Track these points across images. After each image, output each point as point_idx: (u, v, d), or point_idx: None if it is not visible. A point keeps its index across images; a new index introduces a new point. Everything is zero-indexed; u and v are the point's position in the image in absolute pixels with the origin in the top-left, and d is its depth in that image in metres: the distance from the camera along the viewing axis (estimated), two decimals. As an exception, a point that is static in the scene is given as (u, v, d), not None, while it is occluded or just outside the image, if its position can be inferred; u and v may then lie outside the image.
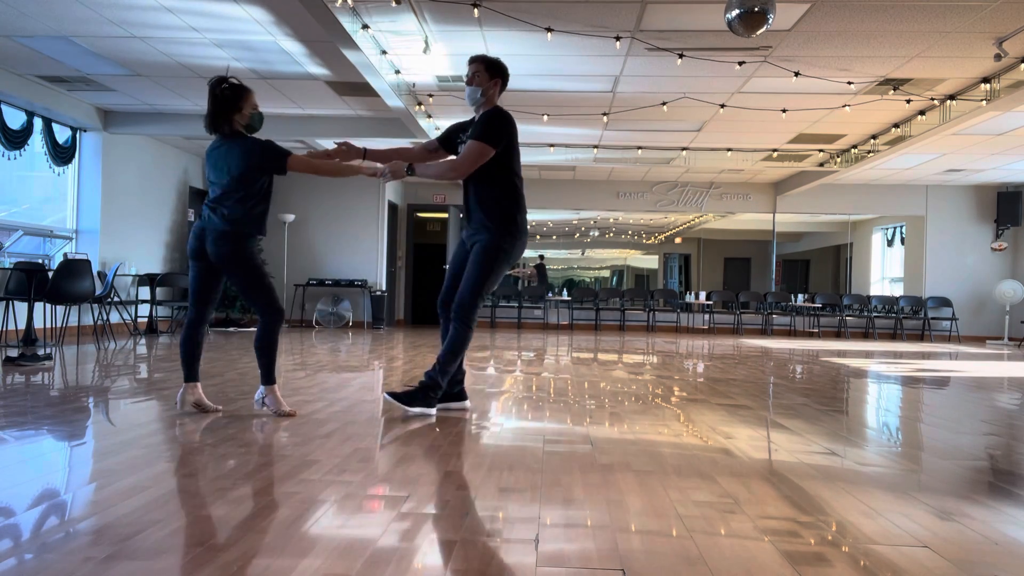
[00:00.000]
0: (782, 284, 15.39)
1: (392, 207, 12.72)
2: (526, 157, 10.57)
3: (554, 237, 18.83)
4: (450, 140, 3.82)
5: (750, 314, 13.22)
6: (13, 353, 5.96)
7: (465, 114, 8.72)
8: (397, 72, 6.98)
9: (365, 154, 3.78)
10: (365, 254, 12.05)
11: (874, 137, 9.29)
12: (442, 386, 3.66)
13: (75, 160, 8.80)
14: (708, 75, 6.94)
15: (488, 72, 3.64)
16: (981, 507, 2.28)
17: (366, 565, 1.69)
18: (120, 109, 8.81)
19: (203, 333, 3.67)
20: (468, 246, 3.71)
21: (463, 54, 6.56)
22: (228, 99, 3.44)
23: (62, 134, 8.49)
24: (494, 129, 3.57)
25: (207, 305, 3.63)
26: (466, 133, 3.69)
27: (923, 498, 2.37)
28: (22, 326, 7.18)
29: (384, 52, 6.46)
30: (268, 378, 3.59)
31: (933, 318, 12.54)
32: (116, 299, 8.27)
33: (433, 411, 3.68)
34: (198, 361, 3.66)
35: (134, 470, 2.47)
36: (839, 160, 10.53)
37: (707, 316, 13.09)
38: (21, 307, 7.38)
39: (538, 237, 19.87)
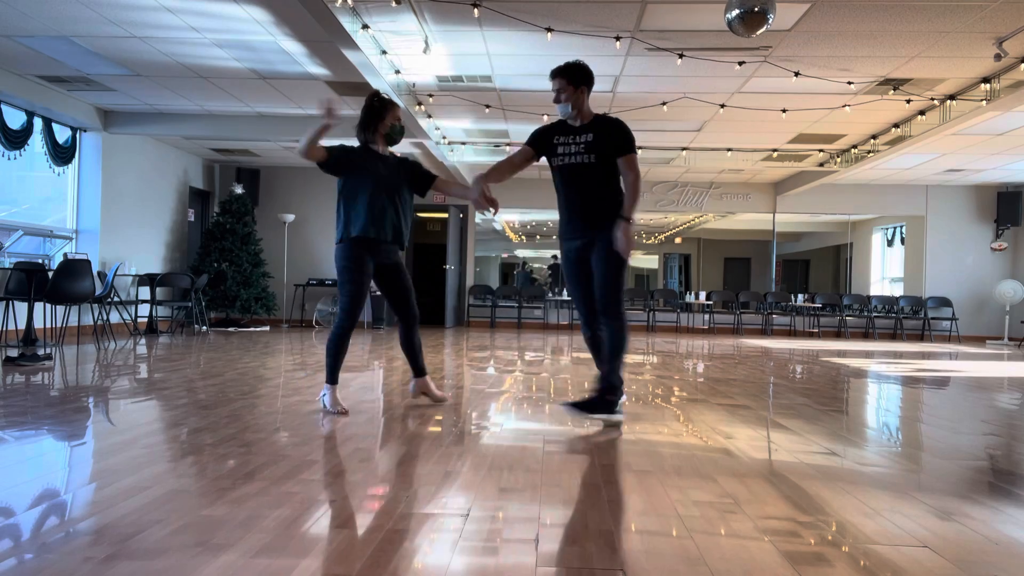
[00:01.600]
0: (782, 284, 15.40)
1: (392, 207, 12.71)
2: (526, 157, 10.56)
3: (554, 237, 18.83)
4: (540, 142, 3.78)
5: (750, 314, 13.22)
6: (13, 353, 5.96)
7: (465, 115, 8.74)
8: (397, 72, 6.99)
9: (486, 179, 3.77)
10: (365, 254, 12.03)
11: (874, 137, 9.29)
12: (620, 388, 3.61)
13: (75, 160, 8.80)
14: (708, 75, 6.95)
15: (573, 85, 3.64)
16: (981, 507, 2.28)
17: (366, 565, 1.69)
18: (120, 109, 8.81)
19: (407, 334, 3.96)
20: (581, 249, 3.69)
21: (463, 54, 6.56)
22: (375, 110, 3.76)
23: (62, 134, 8.49)
24: (632, 138, 3.71)
25: (395, 307, 3.94)
26: (564, 136, 3.68)
27: (923, 498, 2.37)
28: (22, 326, 7.18)
29: (384, 52, 6.46)
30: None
31: (933, 318, 12.54)
32: (116, 299, 8.27)
33: (618, 416, 3.62)
34: (416, 358, 3.98)
35: (134, 470, 2.47)
36: (839, 160, 10.53)
37: (707, 316, 13.09)
38: (21, 307, 7.38)
39: (538, 237, 19.88)
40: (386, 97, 3.83)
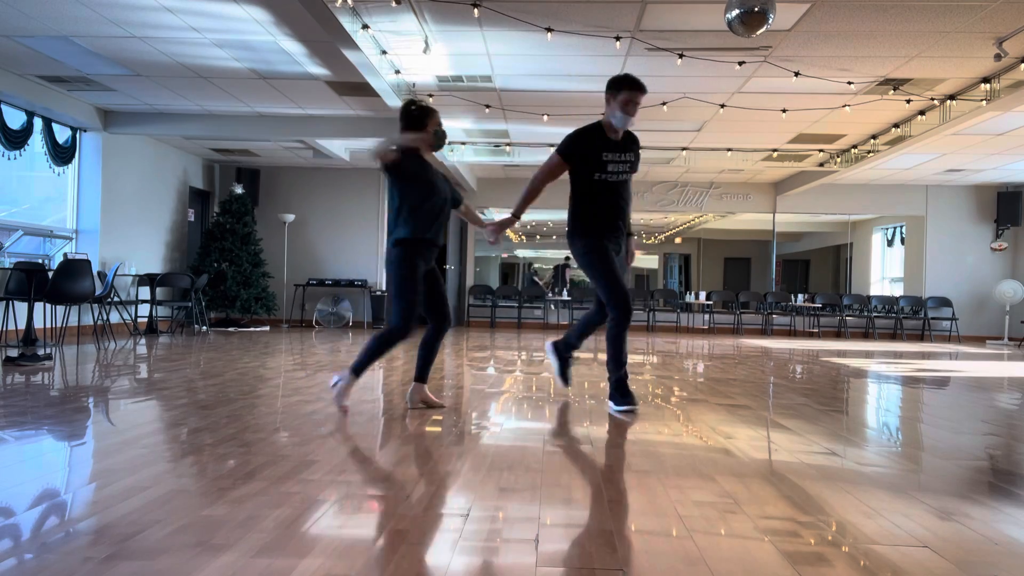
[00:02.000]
0: (782, 284, 15.40)
1: (392, 207, 12.71)
2: (526, 157, 10.58)
3: (554, 237, 18.83)
4: (581, 155, 3.94)
5: (750, 314, 13.22)
6: (13, 353, 5.96)
7: (465, 115, 8.73)
8: (397, 72, 6.98)
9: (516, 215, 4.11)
10: (365, 254, 12.06)
11: (874, 137, 9.29)
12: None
13: (75, 160, 8.80)
14: (708, 75, 6.95)
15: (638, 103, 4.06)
16: (981, 507, 2.28)
17: (366, 565, 1.69)
18: (120, 109, 8.81)
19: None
20: (616, 251, 4.05)
21: (463, 54, 6.56)
22: (415, 118, 3.73)
23: (62, 134, 8.49)
24: None
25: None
26: (612, 153, 3.93)
27: (923, 498, 2.37)
28: (22, 326, 7.18)
29: (384, 52, 6.46)
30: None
31: (933, 318, 12.54)
32: (116, 299, 8.27)
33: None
34: (429, 362, 3.92)
35: (134, 470, 2.47)
36: (839, 160, 10.53)
37: (707, 316, 13.09)
38: (21, 307, 7.38)
39: (538, 237, 19.88)
40: (424, 104, 3.82)
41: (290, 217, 11.52)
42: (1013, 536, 2.02)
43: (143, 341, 8.08)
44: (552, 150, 4.07)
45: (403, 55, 6.58)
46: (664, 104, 7.90)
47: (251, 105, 8.47)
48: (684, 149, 10.32)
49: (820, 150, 10.21)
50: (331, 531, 1.92)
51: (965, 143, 9.08)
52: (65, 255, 7.18)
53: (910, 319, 12.68)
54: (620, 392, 3.94)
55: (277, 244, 11.89)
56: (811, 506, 2.25)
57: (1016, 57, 6.26)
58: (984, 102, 7.07)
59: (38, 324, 7.59)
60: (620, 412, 3.89)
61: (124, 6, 5.58)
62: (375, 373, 5.55)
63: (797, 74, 6.72)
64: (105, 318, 8.07)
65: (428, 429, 3.34)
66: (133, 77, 7.44)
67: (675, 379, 5.63)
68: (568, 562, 1.74)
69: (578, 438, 3.22)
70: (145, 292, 9.48)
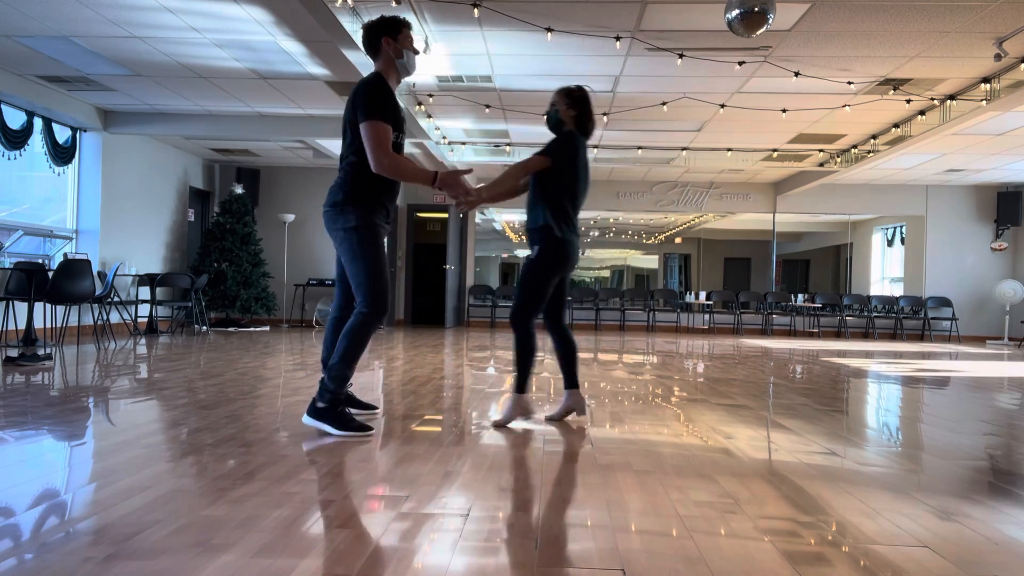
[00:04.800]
0: (782, 284, 15.40)
1: (392, 207, 12.71)
2: (526, 157, 10.58)
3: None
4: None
5: (750, 314, 13.22)
6: (13, 353, 5.96)
7: (465, 115, 8.73)
8: (397, 72, 6.98)
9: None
10: (365, 254, 12.03)
11: (874, 137, 9.30)
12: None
13: (75, 160, 8.80)
14: (708, 75, 6.95)
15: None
16: (981, 507, 2.28)
17: (366, 565, 1.69)
18: (120, 109, 8.81)
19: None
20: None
21: (463, 54, 6.57)
22: (585, 101, 3.78)
23: (62, 134, 8.49)
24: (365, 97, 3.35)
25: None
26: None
27: (923, 498, 2.37)
28: (22, 326, 7.18)
29: (384, 52, 6.45)
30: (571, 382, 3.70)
31: (933, 318, 12.54)
32: (116, 299, 8.27)
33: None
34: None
35: (134, 470, 2.47)
36: (839, 160, 10.54)
37: (707, 316, 13.09)
38: (21, 307, 7.38)
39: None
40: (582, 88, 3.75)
41: (290, 217, 11.52)
42: (1013, 536, 2.02)
43: (143, 341, 8.07)
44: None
45: (403, 55, 6.57)
46: (664, 104, 7.90)
47: (251, 105, 8.47)
48: (684, 149, 10.31)
49: (820, 150, 10.21)
50: (331, 531, 1.92)
51: (965, 143, 9.08)
52: (65, 255, 7.17)
53: (910, 319, 12.68)
54: (341, 411, 3.15)
55: (277, 244, 11.89)
56: (811, 506, 2.25)
57: (1016, 57, 6.26)
58: (984, 102, 7.07)
59: (38, 324, 7.59)
60: (346, 436, 3.09)
61: (124, 6, 5.58)
62: (375, 373, 5.55)
63: (797, 74, 6.72)
64: (105, 318, 8.07)
65: (428, 429, 3.34)
66: (133, 77, 7.43)
67: (675, 379, 5.63)
68: (568, 562, 1.74)
69: (578, 438, 3.22)
70: (145, 292, 9.48)
